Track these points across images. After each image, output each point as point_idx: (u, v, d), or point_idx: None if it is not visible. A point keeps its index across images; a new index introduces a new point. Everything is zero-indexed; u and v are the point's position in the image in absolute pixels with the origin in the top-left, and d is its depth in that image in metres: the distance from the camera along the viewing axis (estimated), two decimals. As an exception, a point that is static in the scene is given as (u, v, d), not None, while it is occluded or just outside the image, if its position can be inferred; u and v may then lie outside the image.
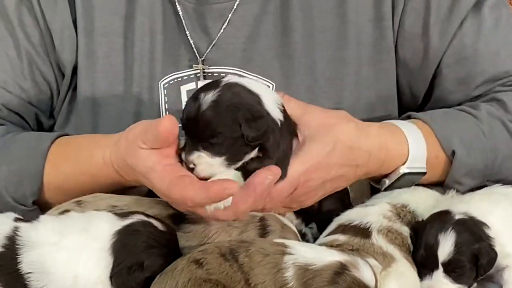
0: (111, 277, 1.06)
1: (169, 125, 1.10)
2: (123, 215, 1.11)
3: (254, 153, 1.13)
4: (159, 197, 1.21)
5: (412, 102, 1.52)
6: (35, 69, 1.48)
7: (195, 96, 1.13)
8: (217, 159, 1.11)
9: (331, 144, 1.18)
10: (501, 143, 1.36)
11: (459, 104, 1.43)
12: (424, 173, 1.30)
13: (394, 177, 1.30)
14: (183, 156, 1.13)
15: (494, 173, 1.36)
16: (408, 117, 1.40)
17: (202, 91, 1.12)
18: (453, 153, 1.32)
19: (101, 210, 1.19)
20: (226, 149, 1.11)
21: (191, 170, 1.12)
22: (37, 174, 1.33)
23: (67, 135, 1.42)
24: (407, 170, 1.29)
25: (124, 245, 1.07)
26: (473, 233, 1.16)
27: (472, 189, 1.32)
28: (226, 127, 1.10)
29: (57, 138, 1.37)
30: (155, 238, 1.09)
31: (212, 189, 1.06)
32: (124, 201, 1.23)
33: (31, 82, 1.49)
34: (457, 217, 1.18)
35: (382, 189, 1.31)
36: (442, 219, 1.19)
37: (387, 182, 1.31)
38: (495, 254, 1.16)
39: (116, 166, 1.23)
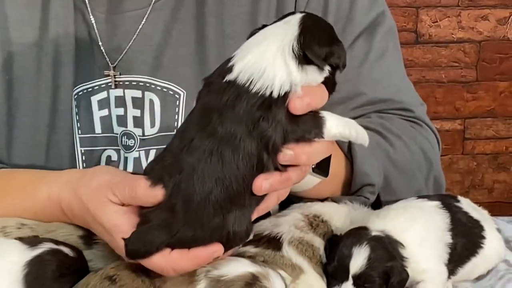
0: None
1: (146, 191, 1.04)
2: (32, 243, 1.10)
3: None
4: None
5: None
6: None
7: None
8: None
9: None
10: (376, 146, 1.42)
11: None
12: None
13: None
14: None
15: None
16: None
17: None
18: (350, 144, 1.36)
19: (10, 226, 1.19)
20: None
21: None
22: None
23: (5, 167, 1.40)
24: None
25: (36, 276, 1.06)
26: (387, 251, 1.17)
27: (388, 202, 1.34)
28: None
29: None
30: (66, 266, 1.09)
31: (199, 256, 1.04)
32: (33, 221, 1.22)
33: None
34: (373, 233, 1.19)
35: None
36: (358, 233, 1.20)
37: None
38: (407, 275, 1.17)
39: (64, 205, 1.19)
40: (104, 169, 1.21)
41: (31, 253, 1.08)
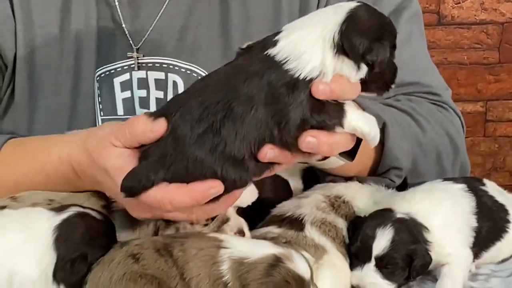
0: (54, 273, 1.05)
1: (145, 126, 1.06)
2: (59, 209, 1.10)
3: None
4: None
5: None
6: None
7: None
8: None
9: None
10: (408, 128, 1.42)
11: None
12: None
13: None
14: None
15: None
16: None
17: None
18: (384, 125, 1.35)
19: (39, 204, 1.19)
20: None
21: None
22: None
23: (16, 137, 1.40)
24: None
25: (66, 239, 1.06)
26: (411, 234, 1.17)
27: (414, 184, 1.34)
28: None
29: (9, 139, 1.35)
30: (94, 229, 1.09)
31: (196, 190, 1.04)
32: (61, 195, 1.22)
33: None
34: (398, 215, 1.19)
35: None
36: (382, 215, 1.20)
37: None
38: (430, 259, 1.17)
39: (75, 164, 1.20)
40: (110, 123, 1.21)
41: (59, 217, 1.08)
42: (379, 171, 1.38)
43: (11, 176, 1.28)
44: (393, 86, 1.11)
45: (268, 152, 1.03)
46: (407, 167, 1.39)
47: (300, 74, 1.02)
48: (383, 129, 1.36)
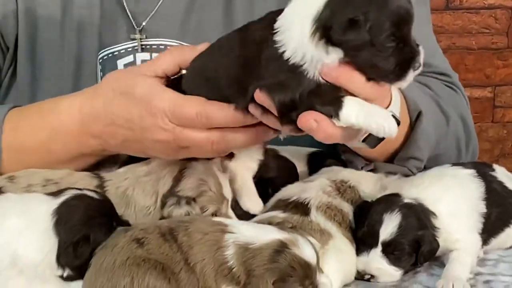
0: (58, 258, 1.04)
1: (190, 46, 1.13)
2: (56, 193, 1.09)
3: None
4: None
5: None
6: None
7: None
8: None
9: None
10: (436, 119, 1.41)
11: None
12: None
13: None
14: None
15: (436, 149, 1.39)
16: None
17: None
18: (419, 114, 1.33)
19: (35, 185, 1.19)
20: None
21: None
22: None
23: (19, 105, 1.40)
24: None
25: (66, 222, 1.06)
26: (419, 219, 1.16)
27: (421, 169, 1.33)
28: None
29: (13, 107, 1.34)
30: (93, 209, 1.08)
31: (232, 110, 1.07)
32: (58, 175, 1.22)
33: None
34: (405, 200, 1.18)
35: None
36: (390, 200, 1.19)
37: None
38: (437, 245, 1.16)
39: (86, 110, 1.19)
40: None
41: (57, 200, 1.08)
42: (399, 158, 1.36)
43: (17, 134, 1.27)
44: (410, 74, 1.01)
45: (267, 99, 1.02)
46: (427, 158, 1.38)
47: (285, 51, 0.99)
48: (417, 118, 1.33)
